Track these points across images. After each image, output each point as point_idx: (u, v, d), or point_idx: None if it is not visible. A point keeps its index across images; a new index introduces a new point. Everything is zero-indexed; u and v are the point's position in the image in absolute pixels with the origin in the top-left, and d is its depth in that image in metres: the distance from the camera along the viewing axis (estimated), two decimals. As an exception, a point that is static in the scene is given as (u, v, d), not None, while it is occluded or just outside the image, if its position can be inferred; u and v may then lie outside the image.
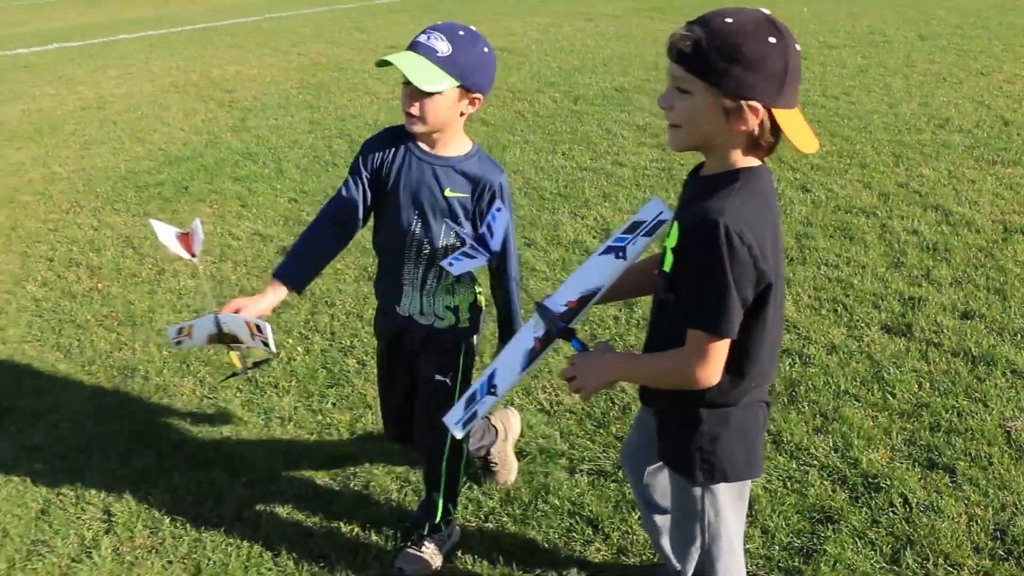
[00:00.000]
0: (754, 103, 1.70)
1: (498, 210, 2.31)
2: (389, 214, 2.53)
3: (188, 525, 3.03)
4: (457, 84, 2.31)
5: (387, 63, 2.29)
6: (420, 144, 2.47)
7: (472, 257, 2.26)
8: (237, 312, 2.35)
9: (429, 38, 2.31)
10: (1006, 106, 7.99)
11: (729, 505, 2.08)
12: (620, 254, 2.10)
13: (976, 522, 2.83)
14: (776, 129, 1.74)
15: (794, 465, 3.12)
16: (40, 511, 3.17)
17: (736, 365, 1.88)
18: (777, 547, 2.75)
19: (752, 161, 1.81)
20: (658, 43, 12.00)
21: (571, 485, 3.10)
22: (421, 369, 2.69)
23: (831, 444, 3.23)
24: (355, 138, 7.90)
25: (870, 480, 3.04)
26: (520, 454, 3.27)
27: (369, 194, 2.53)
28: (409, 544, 2.81)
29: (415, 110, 2.34)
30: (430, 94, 2.29)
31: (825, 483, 3.03)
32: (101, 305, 4.90)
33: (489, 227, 2.25)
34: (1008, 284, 4.45)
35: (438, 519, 2.78)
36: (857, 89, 8.84)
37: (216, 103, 10.14)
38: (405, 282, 2.57)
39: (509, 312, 2.67)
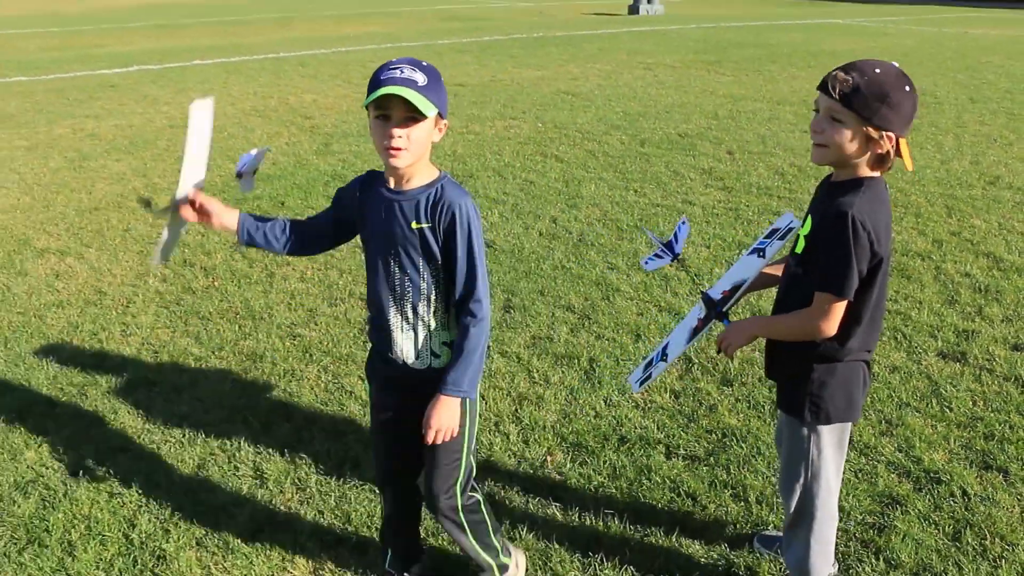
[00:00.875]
0: (891, 134, 2.23)
1: (683, 223, 2.78)
2: (369, 257, 2.53)
3: (332, 484, 3.49)
4: (438, 110, 2.32)
5: (390, 94, 2.24)
6: (388, 181, 2.46)
7: (661, 258, 2.80)
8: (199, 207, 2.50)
9: (403, 71, 2.27)
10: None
11: (830, 446, 2.55)
12: (761, 254, 2.62)
13: (1021, 523, 3.23)
14: (897, 152, 2.24)
15: (863, 460, 3.54)
16: (197, 467, 3.66)
17: (845, 326, 2.37)
18: (853, 523, 3.17)
19: (874, 173, 2.31)
20: (715, 94, 12.56)
21: (669, 467, 3.54)
22: (422, 418, 2.51)
23: (895, 445, 3.66)
24: (444, 165, 8.46)
25: (931, 475, 3.45)
26: (621, 440, 3.73)
27: (324, 223, 2.62)
28: None
29: (402, 142, 2.29)
30: (417, 122, 2.29)
31: (892, 475, 3.45)
32: (220, 301, 5.42)
33: (676, 234, 2.79)
34: (1056, 323, 4.86)
35: (494, 569, 2.81)
36: (911, 146, 9.26)
37: (297, 128, 10.77)
38: (393, 326, 2.51)
39: (462, 338, 2.45)
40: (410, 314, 2.48)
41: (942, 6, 37.32)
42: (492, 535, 2.79)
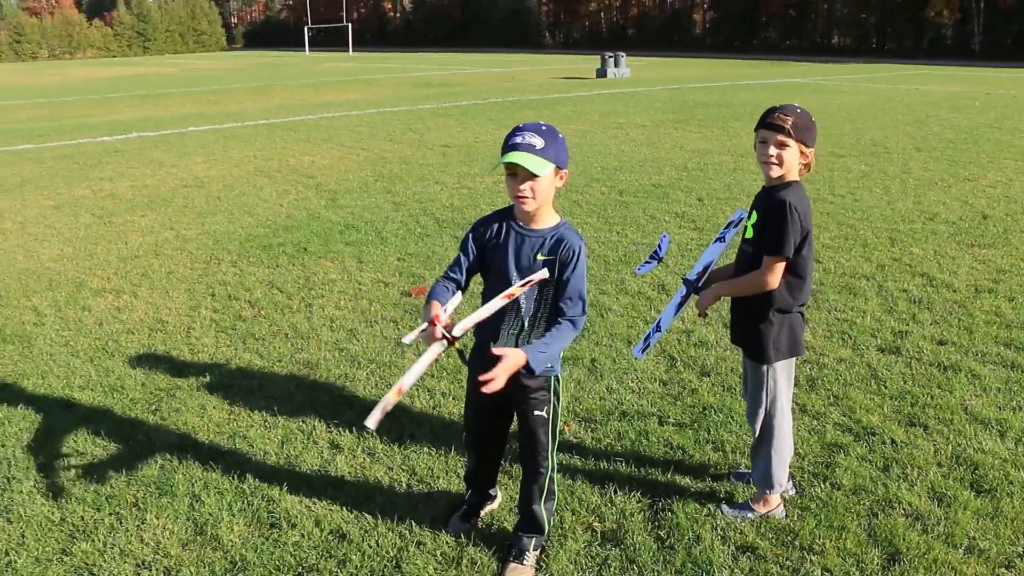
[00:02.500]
0: (812, 149, 3.30)
1: (664, 236, 3.79)
2: (494, 277, 3.15)
3: (395, 449, 4.38)
4: (554, 166, 2.96)
5: (510, 162, 2.89)
6: (519, 222, 3.10)
7: (650, 263, 3.78)
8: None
9: (524, 138, 2.89)
10: (987, 204, 9.53)
11: (783, 378, 3.50)
12: (722, 240, 3.61)
13: (940, 452, 4.19)
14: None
15: (815, 423, 4.49)
16: (281, 443, 4.52)
17: (793, 286, 3.38)
18: (806, 462, 4.10)
19: (797, 178, 3.34)
20: (684, 149, 13.71)
21: (662, 431, 4.47)
22: (519, 404, 3.28)
23: (840, 412, 4.62)
24: (439, 216, 9.44)
25: (868, 430, 4.40)
26: (622, 414, 4.66)
27: (473, 265, 3.19)
28: (511, 559, 3.41)
29: (527, 193, 2.94)
30: (537, 176, 2.91)
31: (836, 432, 4.40)
32: (270, 325, 6.31)
33: (660, 244, 3.83)
34: (975, 324, 5.87)
35: (545, 529, 3.44)
36: (860, 190, 10.42)
37: (303, 186, 11.73)
38: (503, 328, 3.15)
39: (559, 327, 3.09)
40: (519, 326, 3.16)
41: (897, 64, 39.25)
42: (552, 509, 3.47)
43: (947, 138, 14.64)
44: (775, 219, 3.33)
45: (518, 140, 2.92)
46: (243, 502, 3.91)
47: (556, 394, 3.30)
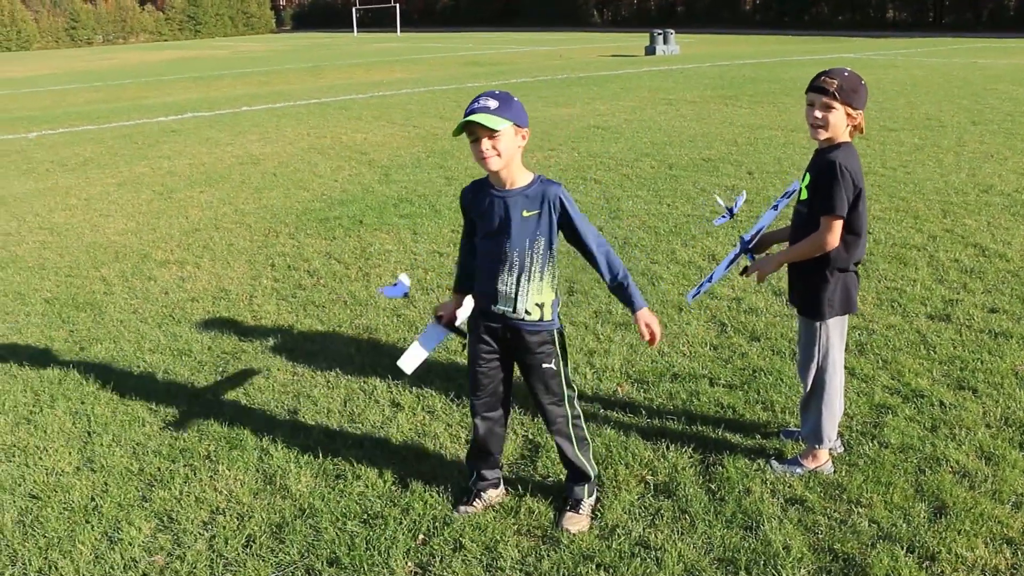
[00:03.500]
0: (861, 111, 3.38)
1: (741, 195, 4.02)
2: (485, 239, 3.30)
3: (453, 407, 4.54)
4: (511, 122, 3.09)
5: (461, 128, 3.08)
6: (495, 187, 3.23)
7: (724, 217, 4.10)
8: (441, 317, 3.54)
9: (479, 102, 3.08)
10: None
11: (836, 334, 3.61)
12: (775, 208, 3.72)
13: (988, 414, 4.24)
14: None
15: (864, 385, 4.56)
16: (344, 401, 4.71)
17: (849, 244, 3.47)
18: (855, 422, 4.19)
19: (848, 139, 3.41)
20: (734, 124, 13.67)
21: (713, 391, 4.58)
22: (527, 360, 3.39)
23: (889, 375, 4.68)
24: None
25: (916, 393, 4.47)
26: (674, 376, 4.77)
27: (471, 230, 3.43)
28: (568, 510, 3.54)
29: (488, 151, 3.08)
30: (497, 132, 3.05)
31: (885, 394, 4.47)
32: (329, 293, 6.51)
33: (736, 201, 4.06)
34: (1028, 292, 5.88)
35: (591, 474, 3.56)
36: (912, 163, 10.34)
37: (356, 162, 11.93)
38: (500, 287, 3.27)
39: (613, 272, 3.34)
40: (513, 282, 3.25)
41: (953, 38, 38.44)
42: (591, 454, 3.59)
43: (1005, 111, 14.39)
44: (826, 180, 3.42)
45: (474, 106, 3.09)
46: (309, 455, 4.10)
47: (562, 346, 3.42)
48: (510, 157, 3.15)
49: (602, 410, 4.44)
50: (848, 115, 3.44)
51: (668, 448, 4.01)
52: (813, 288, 3.59)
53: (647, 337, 3.33)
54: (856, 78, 3.47)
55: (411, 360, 3.56)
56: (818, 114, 3.45)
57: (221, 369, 5.19)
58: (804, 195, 3.60)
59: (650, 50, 32.67)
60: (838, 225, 3.44)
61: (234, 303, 6.39)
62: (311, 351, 5.40)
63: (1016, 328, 5.29)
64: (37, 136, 15.96)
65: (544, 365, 3.39)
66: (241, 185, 10.80)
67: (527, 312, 3.29)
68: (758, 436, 4.12)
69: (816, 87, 3.46)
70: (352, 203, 9.41)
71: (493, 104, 3.07)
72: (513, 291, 3.27)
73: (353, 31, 69.73)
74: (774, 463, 3.84)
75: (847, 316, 3.69)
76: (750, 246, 3.85)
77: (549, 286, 3.31)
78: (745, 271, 3.83)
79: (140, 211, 9.61)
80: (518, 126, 3.14)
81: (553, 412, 3.49)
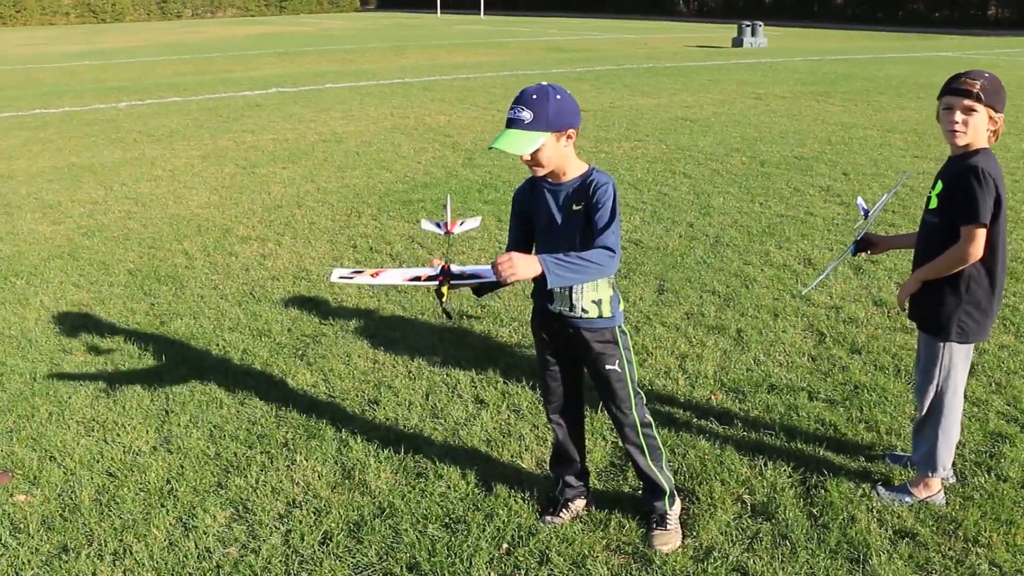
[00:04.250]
0: (1001, 115, 3.15)
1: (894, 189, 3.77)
2: (540, 235, 3.13)
3: (540, 408, 4.36)
4: (548, 134, 2.84)
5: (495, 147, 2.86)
6: (547, 180, 3.04)
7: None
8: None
9: (516, 112, 2.83)
10: None
11: (961, 356, 3.36)
12: (865, 214, 3.74)
13: (1118, 448, 3.93)
14: None
15: (976, 410, 4.26)
16: (426, 394, 4.57)
17: (985, 259, 3.21)
18: (968, 450, 3.90)
19: (986, 145, 3.17)
20: (827, 122, 13.21)
21: (812, 406, 4.33)
22: (589, 362, 3.22)
23: (1004, 400, 4.36)
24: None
25: (1040, 420, 4.17)
26: (771, 387, 4.53)
27: (521, 236, 3.19)
28: (654, 526, 3.35)
29: (532, 161, 2.91)
30: (537, 149, 2.86)
31: (1000, 421, 4.16)
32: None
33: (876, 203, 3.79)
34: None
35: (667, 488, 3.35)
36: (1021, 171, 9.82)
37: (440, 144, 11.82)
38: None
39: (582, 254, 2.86)
40: None
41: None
42: (665, 465, 3.37)
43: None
44: (966, 185, 3.15)
45: (511, 115, 2.86)
46: (390, 450, 3.98)
47: (625, 346, 3.21)
48: (557, 162, 2.97)
49: (695, 419, 4.23)
50: (990, 118, 3.20)
51: (766, 466, 3.78)
52: (940, 303, 3.33)
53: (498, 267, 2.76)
54: (997, 80, 3.23)
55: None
56: (959, 118, 3.19)
57: (301, 352, 5.10)
58: (934, 203, 3.34)
59: (737, 42, 31.97)
60: (981, 234, 3.17)
61: (315, 284, 6.31)
62: (393, 339, 5.29)
63: None
64: (127, 106, 16.22)
65: (608, 367, 3.20)
66: (324, 163, 10.77)
67: (584, 311, 3.12)
68: (862, 458, 3.86)
69: (956, 89, 3.20)
70: (436, 186, 9.30)
71: (527, 116, 2.82)
72: (567, 289, 3.09)
73: (437, 12, 69.84)
74: (881, 490, 3.59)
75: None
76: (860, 240, 3.74)
77: (606, 282, 3.11)
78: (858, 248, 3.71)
79: (223, 184, 9.64)
80: (559, 132, 2.89)
81: (621, 419, 3.30)
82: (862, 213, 3.84)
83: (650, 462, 3.34)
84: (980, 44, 32.90)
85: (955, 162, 3.29)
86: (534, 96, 2.85)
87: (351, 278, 3.07)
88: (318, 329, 5.43)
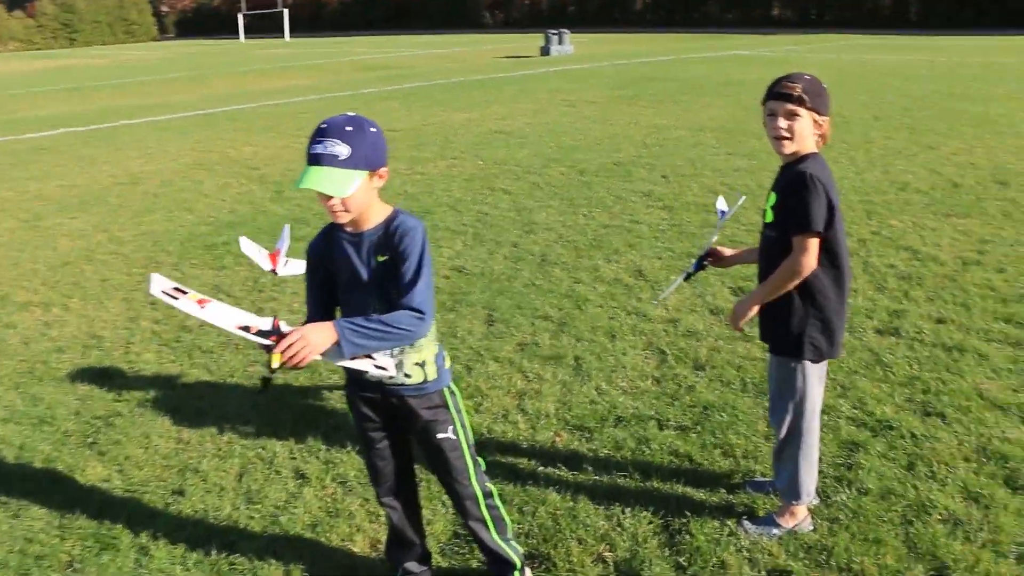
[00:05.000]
0: (827, 118, 3.00)
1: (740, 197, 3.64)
2: (346, 293, 2.68)
3: (361, 471, 3.90)
4: (366, 172, 2.46)
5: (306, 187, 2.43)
6: (345, 229, 2.62)
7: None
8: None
9: (326, 147, 2.40)
10: (954, 172, 9.28)
11: (815, 375, 3.15)
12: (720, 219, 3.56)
13: (964, 444, 3.85)
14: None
15: (826, 418, 4.11)
16: (239, 474, 4.02)
17: (827, 270, 3.01)
18: (825, 464, 3.72)
19: (815, 150, 3.03)
20: (640, 125, 13.32)
21: (663, 436, 4.06)
22: (418, 433, 2.83)
23: (851, 404, 4.26)
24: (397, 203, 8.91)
25: (883, 424, 4.05)
26: (618, 420, 4.24)
27: (324, 289, 2.73)
28: None
29: (338, 207, 2.47)
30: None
31: (851, 427, 4.04)
32: (218, 335, 5.77)
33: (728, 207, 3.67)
34: (970, 299, 5.56)
35: (517, 562, 3.03)
36: (827, 160, 10.09)
37: (246, 178, 11.12)
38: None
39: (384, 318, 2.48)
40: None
41: (836, 34, 39.36)
42: (512, 535, 3.05)
43: (902, 106, 14.45)
44: (797, 194, 2.96)
45: (319, 151, 2.42)
46: (199, 552, 3.42)
47: (457, 408, 2.84)
48: (363, 207, 2.55)
49: (541, 467, 3.87)
50: (815, 122, 3.02)
51: (624, 513, 3.47)
52: (789, 321, 3.11)
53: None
54: (818, 82, 3.05)
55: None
56: (782, 123, 3.00)
57: (91, 440, 4.43)
58: (769, 216, 3.14)
59: (545, 50, 32.38)
60: (814, 244, 2.97)
61: (108, 352, 5.60)
62: (199, 409, 4.69)
63: (967, 340, 4.96)
64: None
65: (440, 436, 2.81)
66: (118, 209, 9.87)
67: (407, 375, 2.70)
68: (722, 490, 3.61)
69: (778, 94, 3.01)
70: (242, 225, 8.63)
71: (343, 152, 2.41)
72: (384, 353, 2.63)
73: (240, 37, 67.77)
74: (747, 524, 3.34)
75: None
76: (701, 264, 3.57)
77: (428, 339, 2.70)
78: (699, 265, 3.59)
79: (1, 242, 8.62)
80: (373, 171, 2.51)
81: (460, 492, 2.91)
82: (719, 216, 3.68)
83: (496, 536, 2.97)
84: (769, 42, 34.68)
85: (785, 171, 3.09)
86: (348, 128, 2.45)
87: (174, 297, 2.41)
88: (111, 408, 4.76)
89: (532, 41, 37.86)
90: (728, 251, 3.55)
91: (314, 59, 38.15)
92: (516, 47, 38.02)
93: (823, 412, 4.08)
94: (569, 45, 32.79)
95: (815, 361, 3.13)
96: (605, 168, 10.28)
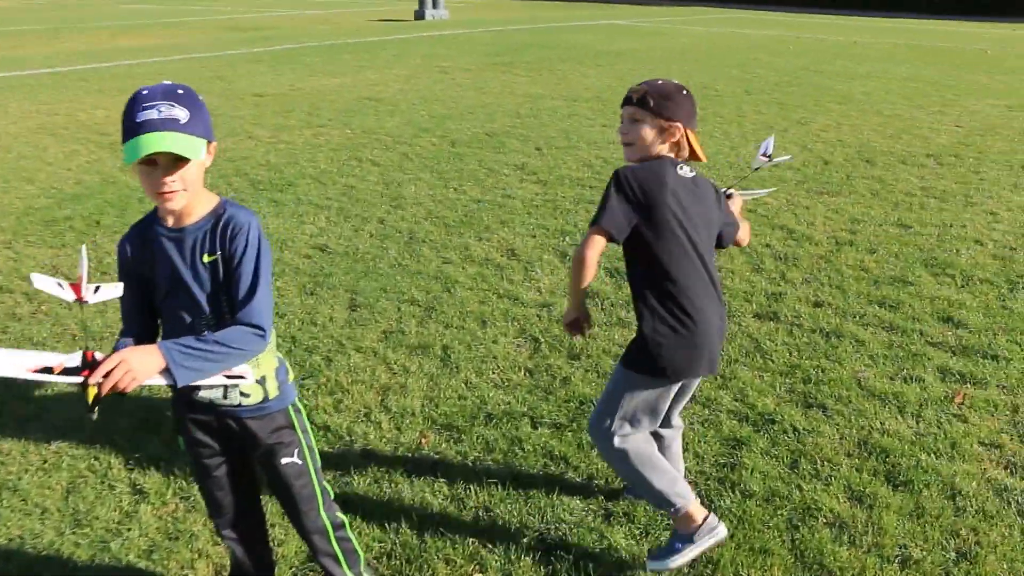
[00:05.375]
0: (678, 123, 2.80)
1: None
2: (166, 305, 2.29)
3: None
4: (205, 140, 2.15)
5: (135, 153, 2.05)
6: (166, 220, 2.23)
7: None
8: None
9: (161, 111, 2.05)
10: (824, 149, 9.36)
11: (643, 395, 2.87)
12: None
13: (845, 438, 3.75)
14: (689, 143, 2.85)
15: (707, 412, 3.95)
16: (66, 491, 3.56)
17: (651, 279, 2.79)
18: (707, 464, 3.55)
19: (666, 155, 2.84)
20: (514, 94, 13.03)
21: (537, 436, 3.80)
22: (260, 458, 2.51)
23: (732, 395, 4.10)
24: (253, 177, 8.37)
25: (765, 417, 3.90)
26: (488, 417, 3.95)
27: (142, 303, 2.31)
28: None
29: (176, 185, 2.11)
30: (187, 161, 2.10)
31: (733, 421, 3.87)
32: (53, 324, 5.21)
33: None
34: (844, 281, 5.52)
35: None
36: (701, 135, 10.02)
37: (95, 144, 10.30)
38: None
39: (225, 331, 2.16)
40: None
41: (712, 8, 39.97)
42: (364, 567, 2.78)
43: (772, 81, 14.62)
44: (604, 191, 2.81)
45: (153, 116, 2.05)
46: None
47: (303, 428, 2.52)
48: (198, 187, 2.21)
49: (406, 474, 3.56)
50: (662, 128, 2.82)
51: (496, 527, 3.19)
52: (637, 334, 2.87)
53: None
54: (673, 86, 2.86)
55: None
56: (623, 127, 2.89)
57: None
58: None
59: (419, 15, 31.63)
60: (595, 240, 2.75)
61: (-81, 344, 4.97)
62: (24, 416, 4.16)
63: (844, 325, 4.89)
64: None
65: (284, 460, 2.48)
66: (-55, 178, 8.96)
67: (243, 395, 2.37)
68: (601, 496, 3.38)
69: (625, 99, 2.89)
70: (88, 198, 7.94)
71: (183, 115, 2.07)
72: None
73: (95, -8, 64.03)
74: (650, 563, 2.94)
75: (659, 383, 2.86)
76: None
77: (267, 351, 2.34)
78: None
79: None
80: (209, 142, 2.19)
81: (307, 525, 2.59)
82: (761, 154, 3.53)
83: (347, 570, 2.66)
84: (645, 13, 34.88)
85: None
86: (179, 92, 2.12)
87: None
88: (-83, 411, 4.19)
89: (408, 5, 37.01)
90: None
91: (180, 16, 36.29)
92: (391, 10, 37.06)
93: (703, 404, 3.93)
94: (444, 10, 32.14)
95: (639, 373, 2.85)
96: (478, 139, 9.95)
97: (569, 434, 3.80)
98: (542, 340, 4.74)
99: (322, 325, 4.96)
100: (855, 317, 5.00)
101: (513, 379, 4.32)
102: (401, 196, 7.63)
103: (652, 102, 2.79)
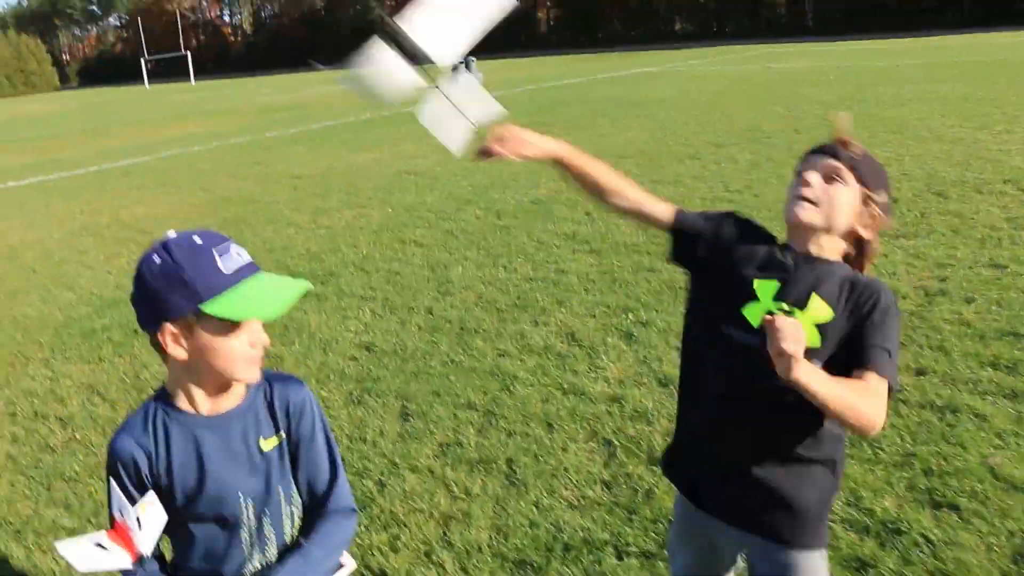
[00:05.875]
0: (883, 215, 2.11)
1: None
2: (189, 513, 1.85)
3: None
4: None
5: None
6: (200, 407, 1.84)
7: None
8: None
9: (240, 253, 1.84)
10: (890, 186, 8.79)
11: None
12: None
13: (994, 549, 3.17)
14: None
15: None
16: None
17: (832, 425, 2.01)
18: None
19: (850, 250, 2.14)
20: (557, 155, 12.65)
21: (624, 569, 3.29)
22: None
23: (844, 499, 3.54)
24: (294, 269, 8.04)
25: (888, 526, 3.34)
26: (566, 549, 3.45)
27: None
28: None
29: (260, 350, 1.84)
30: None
31: (851, 534, 3.32)
32: (86, 455, 4.86)
33: None
34: (946, 340, 4.95)
35: None
36: (756, 183, 9.57)
37: (135, 244, 10.11)
38: (244, 558, 1.90)
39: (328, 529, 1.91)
40: (274, 553, 1.91)
41: (740, 45, 39.65)
42: None
43: (819, 115, 14.11)
44: (885, 317, 1.93)
45: (245, 255, 1.83)
46: None
47: None
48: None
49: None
50: (865, 203, 2.04)
51: None
52: (808, 487, 2.07)
53: None
54: (873, 158, 2.13)
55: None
56: (814, 179, 2.04)
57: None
58: (815, 338, 1.71)
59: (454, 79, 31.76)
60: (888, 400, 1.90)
61: (-53, 487, 4.63)
62: (53, 571, 3.77)
63: (957, 396, 4.33)
64: None
65: None
66: (-4, 286, 8.81)
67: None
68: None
69: (822, 148, 2.08)
70: (126, 304, 7.57)
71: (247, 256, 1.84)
72: (262, 553, 1.92)
73: (145, 83, 66.00)
74: None
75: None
76: None
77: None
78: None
79: None
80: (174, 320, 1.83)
81: None
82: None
83: None
84: (676, 57, 34.68)
85: (808, 266, 2.11)
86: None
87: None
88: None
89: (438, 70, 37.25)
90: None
91: (217, 103, 36.93)
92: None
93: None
94: (478, 72, 32.22)
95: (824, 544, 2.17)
96: (523, 208, 9.55)
97: (661, 564, 3.28)
98: (616, 443, 4.23)
99: (372, 441, 4.51)
100: (967, 384, 4.43)
101: (589, 496, 3.82)
102: (448, 280, 7.22)
103: (862, 168, 2.04)
